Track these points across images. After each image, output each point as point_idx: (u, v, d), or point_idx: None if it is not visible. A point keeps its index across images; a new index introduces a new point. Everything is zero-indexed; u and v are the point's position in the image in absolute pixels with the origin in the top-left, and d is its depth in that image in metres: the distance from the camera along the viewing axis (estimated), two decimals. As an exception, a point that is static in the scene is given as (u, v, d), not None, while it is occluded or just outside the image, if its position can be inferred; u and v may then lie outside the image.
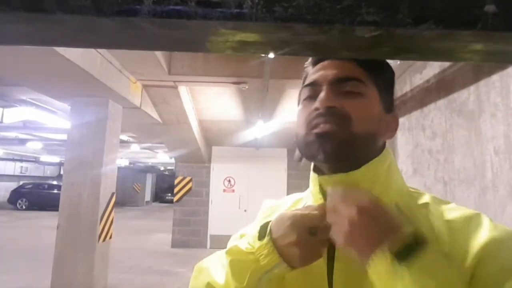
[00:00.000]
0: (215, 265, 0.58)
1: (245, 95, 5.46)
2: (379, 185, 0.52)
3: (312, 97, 0.54)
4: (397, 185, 0.55)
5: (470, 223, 0.48)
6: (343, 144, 0.49)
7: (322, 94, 0.52)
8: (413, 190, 0.57)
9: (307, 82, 0.57)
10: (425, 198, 0.55)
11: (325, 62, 0.55)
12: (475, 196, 2.54)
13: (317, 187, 0.55)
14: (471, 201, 2.59)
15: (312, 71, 0.57)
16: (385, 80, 0.56)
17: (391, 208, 0.48)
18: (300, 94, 0.58)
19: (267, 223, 0.53)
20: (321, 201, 0.54)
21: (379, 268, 0.43)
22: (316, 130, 0.50)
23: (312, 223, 0.50)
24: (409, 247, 0.42)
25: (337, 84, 0.53)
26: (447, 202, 0.54)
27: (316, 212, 0.50)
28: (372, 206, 0.46)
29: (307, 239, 0.49)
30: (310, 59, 0.59)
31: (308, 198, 0.62)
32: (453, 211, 0.51)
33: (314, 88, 0.55)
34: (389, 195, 0.53)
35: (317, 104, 0.51)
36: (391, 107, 0.57)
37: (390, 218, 0.46)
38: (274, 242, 0.50)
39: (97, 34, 0.33)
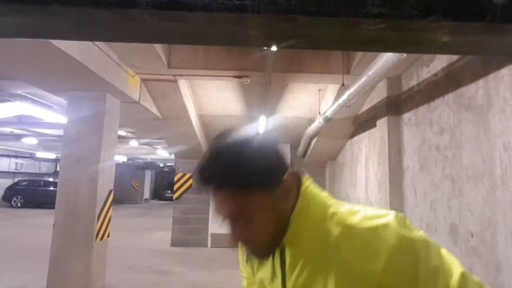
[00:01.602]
0: None
1: (247, 89, 5.44)
2: (303, 238, 0.69)
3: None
4: (315, 222, 0.69)
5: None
6: (263, 250, 0.72)
7: (230, 232, 0.70)
8: (331, 212, 0.70)
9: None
10: (338, 214, 0.69)
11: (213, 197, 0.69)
12: (483, 194, 2.48)
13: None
14: (480, 198, 2.52)
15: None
16: (250, 183, 0.66)
17: None
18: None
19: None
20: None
21: None
22: (246, 252, 0.75)
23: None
24: None
25: (233, 220, 0.68)
26: (355, 213, 0.68)
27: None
28: None
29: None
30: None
31: None
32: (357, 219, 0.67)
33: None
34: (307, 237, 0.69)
35: (232, 239, 0.70)
36: (274, 183, 0.68)
37: None
38: None
39: (95, 26, 0.32)
